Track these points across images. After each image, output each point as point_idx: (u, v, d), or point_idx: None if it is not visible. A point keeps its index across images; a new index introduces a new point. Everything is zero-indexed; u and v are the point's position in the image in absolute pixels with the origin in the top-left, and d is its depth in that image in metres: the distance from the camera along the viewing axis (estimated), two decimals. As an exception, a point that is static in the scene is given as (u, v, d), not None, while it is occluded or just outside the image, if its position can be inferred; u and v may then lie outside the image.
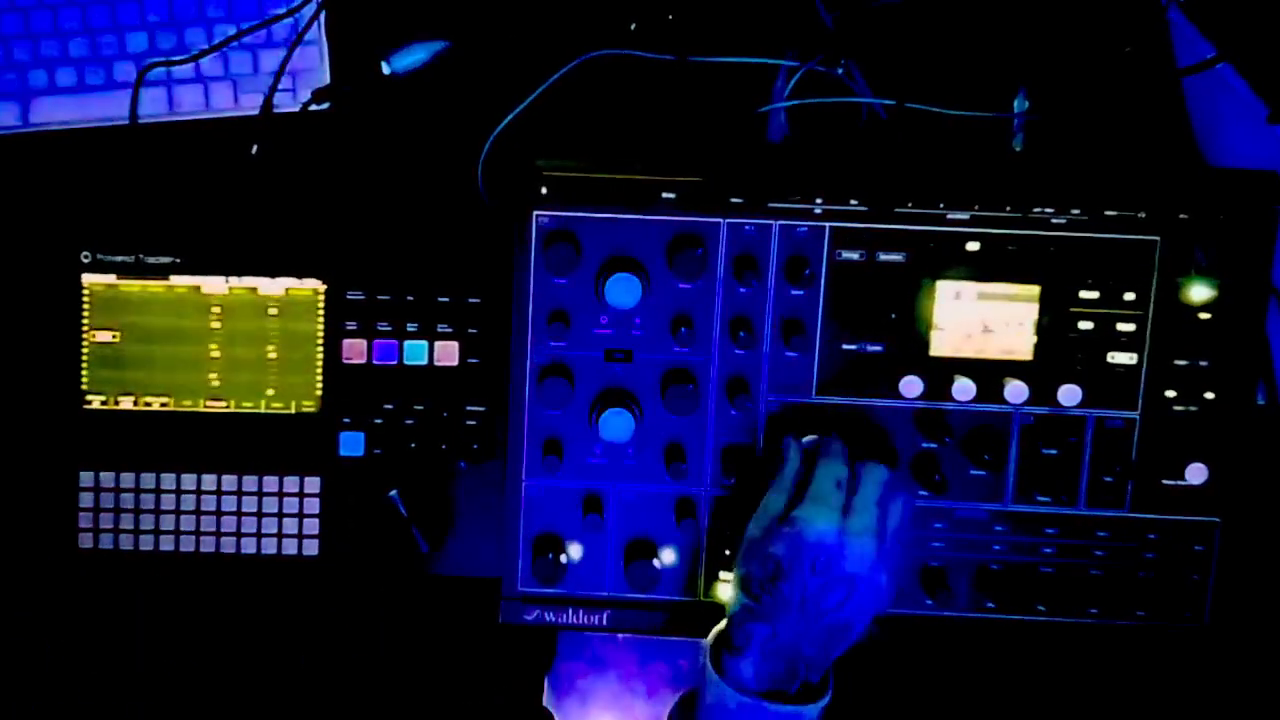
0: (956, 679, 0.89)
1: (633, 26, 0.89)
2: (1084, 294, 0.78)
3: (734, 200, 0.78)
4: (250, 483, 0.87)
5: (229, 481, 0.87)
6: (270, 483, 0.87)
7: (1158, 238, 0.77)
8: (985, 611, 0.81)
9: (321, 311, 0.86)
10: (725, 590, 0.81)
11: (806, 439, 0.77)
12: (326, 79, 0.90)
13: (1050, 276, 0.78)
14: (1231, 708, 0.86)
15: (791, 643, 0.69)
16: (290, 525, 0.87)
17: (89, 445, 0.87)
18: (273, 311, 0.86)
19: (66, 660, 0.90)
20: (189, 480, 0.87)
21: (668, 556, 0.82)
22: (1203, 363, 0.78)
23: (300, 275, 0.86)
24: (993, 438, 0.79)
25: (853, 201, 0.78)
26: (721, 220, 0.79)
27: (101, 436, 0.87)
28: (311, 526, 0.87)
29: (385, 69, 0.88)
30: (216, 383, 0.87)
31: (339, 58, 0.90)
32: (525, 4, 0.90)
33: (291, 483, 0.87)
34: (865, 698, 0.90)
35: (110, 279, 0.86)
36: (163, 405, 0.87)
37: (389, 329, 0.86)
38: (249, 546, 0.87)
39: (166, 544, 0.87)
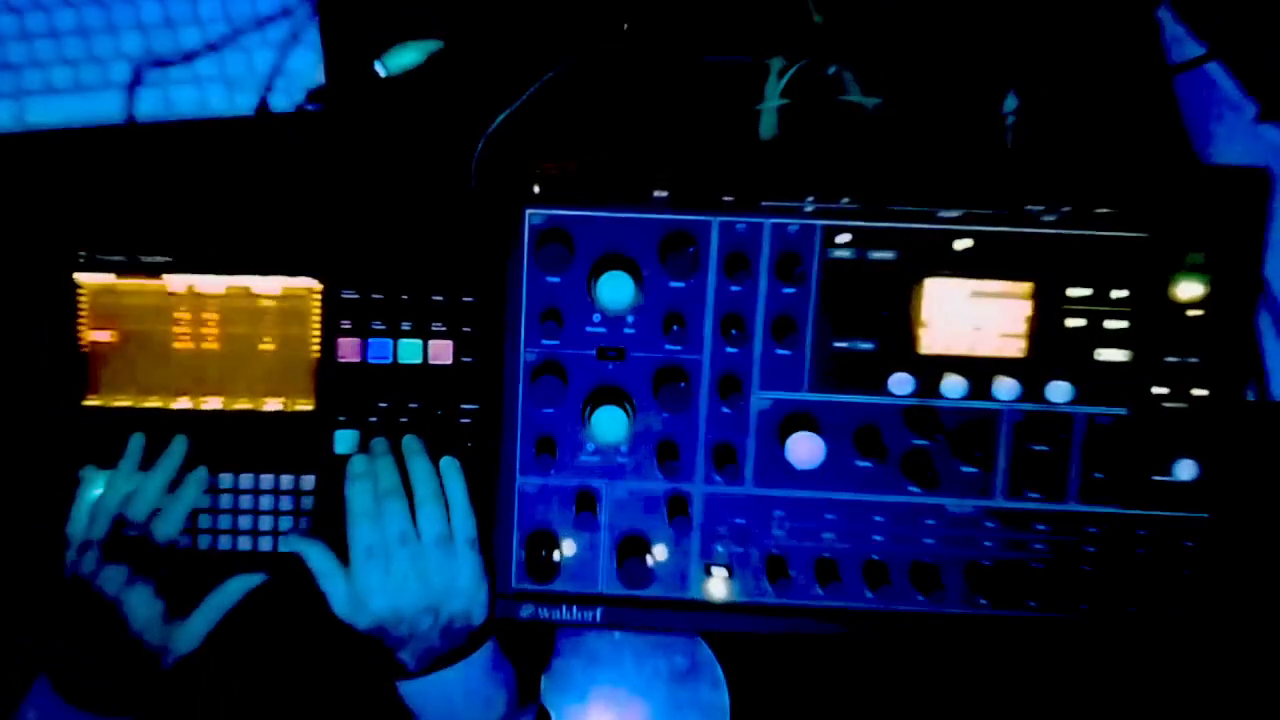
0: (949, 675, 0.90)
1: (625, 26, 0.89)
2: (1074, 291, 0.79)
3: (725, 199, 0.79)
4: (246, 480, 0.87)
5: (225, 479, 0.87)
6: (266, 480, 0.87)
7: (1148, 235, 0.78)
8: (977, 608, 0.82)
9: (316, 310, 0.87)
10: (718, 586, 0.82)
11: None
12: (320, 80, 0.90)
13: (1041, 274, 0.78)
14: (1222, 703, 0.87)
15: None
16: (286, 522, 0.87)
17: (87, 444, 0.87)
18: (268, 311, 0.87)
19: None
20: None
21: (660, 553, 0.82)
22: (1192, 359, 0.79)
23: (295, 274, 0.87)
24: (983, 434, 0.80)
25: (844, 199, 0.78)
26: (713, 218, 0.79)
27: (99, 435, 0.87)
28: (307, 524, 0.87)
29: (379, 69, 0.89)
30: (212, 381, 0.87)
31: (333, 58, 0.90)
32: (518, 4, 0.90)
33: (287, 480, 0.87)
34: (860, 695, 0.90)
35: (106, 278, 0.87)
36: (159, 404, 0.87)
37: (383, 328, 0.87)
38: (245, 543, 0.87)
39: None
